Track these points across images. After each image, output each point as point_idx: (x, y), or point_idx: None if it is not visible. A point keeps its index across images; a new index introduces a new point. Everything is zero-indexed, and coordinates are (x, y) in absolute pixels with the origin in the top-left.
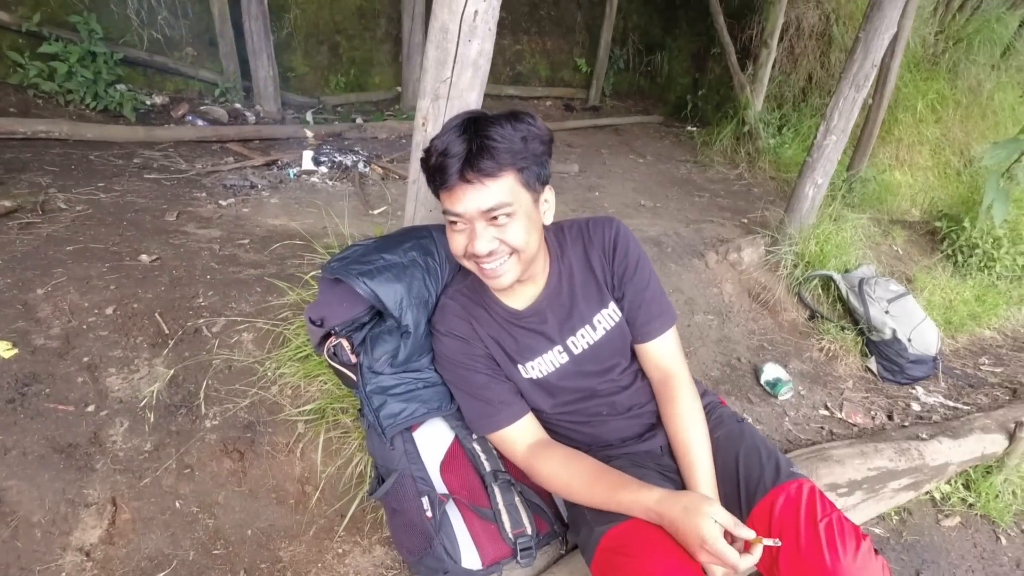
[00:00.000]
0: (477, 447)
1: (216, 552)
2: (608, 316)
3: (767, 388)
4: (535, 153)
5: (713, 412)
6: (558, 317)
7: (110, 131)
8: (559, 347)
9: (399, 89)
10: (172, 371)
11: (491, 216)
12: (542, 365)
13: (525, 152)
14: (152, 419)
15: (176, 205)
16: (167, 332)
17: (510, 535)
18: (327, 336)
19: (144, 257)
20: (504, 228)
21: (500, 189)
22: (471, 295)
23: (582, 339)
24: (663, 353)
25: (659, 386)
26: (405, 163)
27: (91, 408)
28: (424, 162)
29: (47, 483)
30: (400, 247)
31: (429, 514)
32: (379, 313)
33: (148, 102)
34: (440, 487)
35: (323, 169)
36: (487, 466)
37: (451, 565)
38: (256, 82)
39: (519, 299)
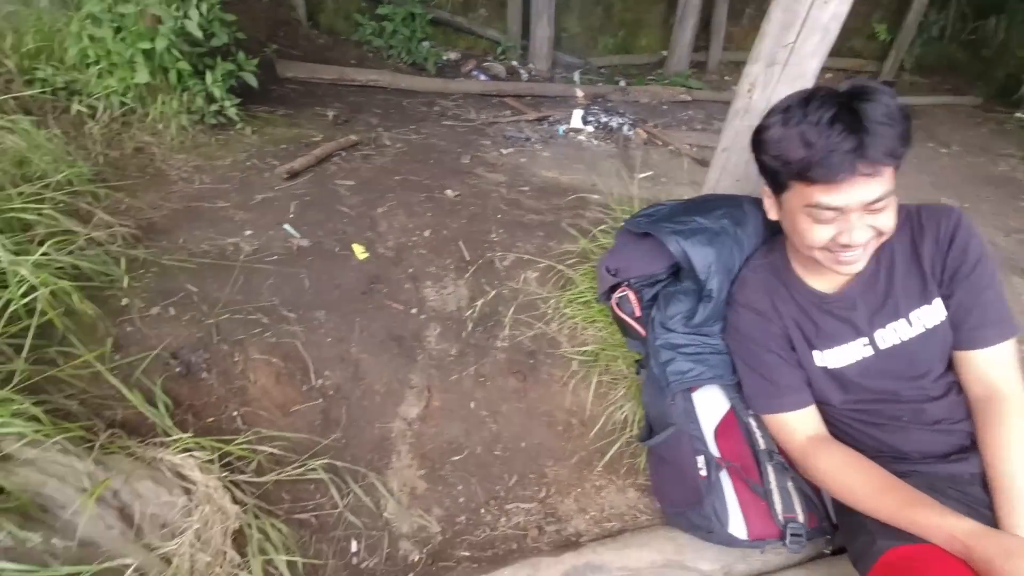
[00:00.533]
0: (753, 423)
1: (496, 453)
2: (930, 314)
3: None
4: (909, 132)
5: None
6: (870, 306)
7: (418, 82)
8: (865, 339)
9: (664, 53)
10: (473, 294)
11: (873, 207)
12: (841, 355)
13: (905, 134)
14: (458, 330)
15: (468, 150)
16: (468, 259)
17: (780, 517)
18: (616, 286)
19: (449, 192)
20: (878, 215)
21: (887, 178)
22: (774, 272)
23: (893, 334)
24: (994, 365)
25: (981, 403)
26: (670, 130)
27: (414, 311)
28: (778, 150)
29: (385, 362)
30: (712, 213)
31: (703, 473)
32: (675, 272)
33: (444, 57)
34: (714, 451)
35: (589, 128)
36: (762, 444)
37: (717, 527)
38: (533, 41)
39: (828, 282)
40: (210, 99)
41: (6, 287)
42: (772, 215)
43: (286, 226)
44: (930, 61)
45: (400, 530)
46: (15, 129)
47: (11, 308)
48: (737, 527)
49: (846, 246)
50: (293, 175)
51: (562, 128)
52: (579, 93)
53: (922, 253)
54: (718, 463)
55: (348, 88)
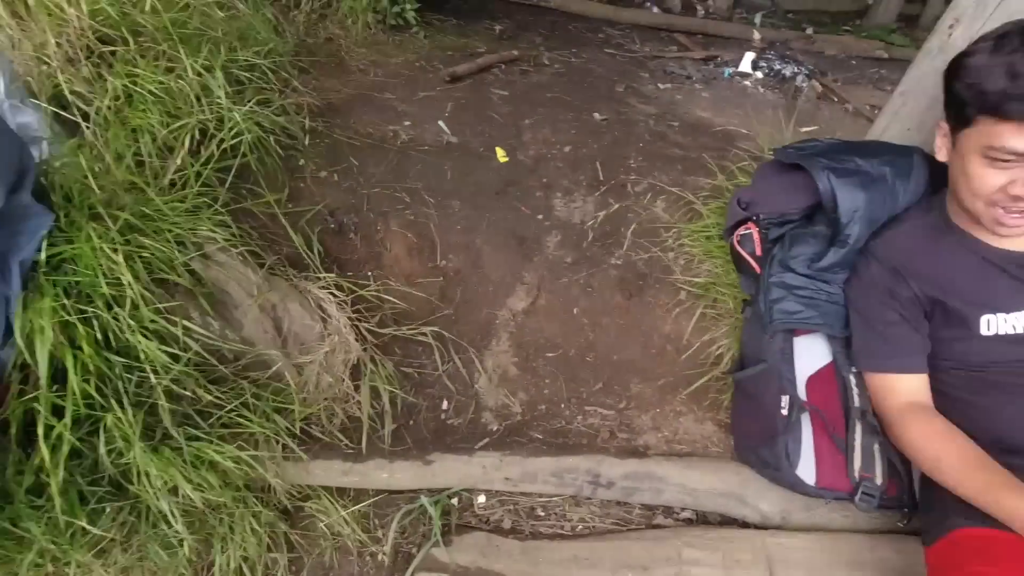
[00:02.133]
0: (852, 380)
1: (587, 359)
2: None
3: None
4: None
5: None
6: None
7: (588, 6)
8: None
9: (869, 1)
10: (599, 211)
11: None
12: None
13: None
14: (578, 241)
15: (624, 79)
16: (601, 179)
17: (856, 474)
18: (742, 222)
19: (596, 115)
20: None
21: None
22: (933, 231)
23: None
24: None
25: None
26: (852, 86)
27: (540, 216)
28: (976, 78)
29: (504, 257)
30: (876, 157)
31: (784, 412)
32: (808, 216)
33: None
34: (802, 395)
35: (758, 75)
36: (857, 402)
37: (785, 467)
38: None
39: (1011, 240)
40: (393, 2)
41: (221, 129)
42: (941, 156)
43: (440, 123)
44: None
45: (486, 402)
46: (239, 7)
47: (223, 146)
48: (806, 470)
49: (1018, 198)
50: (454, 79)
51: (728, 71)
52: (756, 36)
53: None
54: (803, 405)
55: (519, 6)
